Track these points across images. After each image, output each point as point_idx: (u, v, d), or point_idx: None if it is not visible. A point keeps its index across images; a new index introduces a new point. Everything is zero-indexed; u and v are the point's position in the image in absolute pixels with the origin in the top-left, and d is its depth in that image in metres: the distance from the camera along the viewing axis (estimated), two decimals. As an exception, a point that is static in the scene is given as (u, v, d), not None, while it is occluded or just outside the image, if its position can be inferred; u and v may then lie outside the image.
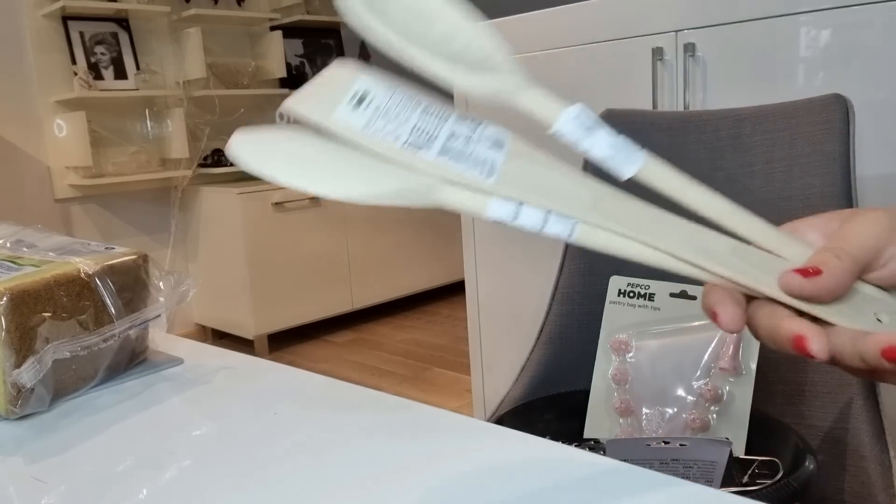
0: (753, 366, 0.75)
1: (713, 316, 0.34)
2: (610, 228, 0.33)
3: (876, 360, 0.31)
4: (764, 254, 0.34)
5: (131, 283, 0.59)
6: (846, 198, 0.81)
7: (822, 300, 0.33)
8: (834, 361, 0.33)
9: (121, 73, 2.94)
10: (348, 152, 0.32)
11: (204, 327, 3.30)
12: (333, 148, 0.32)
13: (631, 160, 0.34)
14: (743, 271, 0.34)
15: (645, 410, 0.78)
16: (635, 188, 0.34)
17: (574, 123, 0.34)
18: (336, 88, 0.34)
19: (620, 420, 0.80)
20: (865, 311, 0.34)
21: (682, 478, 0.39)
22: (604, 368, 0.82)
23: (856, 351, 0.32)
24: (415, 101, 0.34)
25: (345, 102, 0.33)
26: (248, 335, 3.02)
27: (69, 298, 0.54)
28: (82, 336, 0.54)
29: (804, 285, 0.33)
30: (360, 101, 0.33)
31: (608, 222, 0.33)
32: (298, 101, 0.34)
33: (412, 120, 0.33)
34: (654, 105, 1.41)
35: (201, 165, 3.17)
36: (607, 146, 0.34)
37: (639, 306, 0.81)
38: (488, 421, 0.57)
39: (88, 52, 2.86)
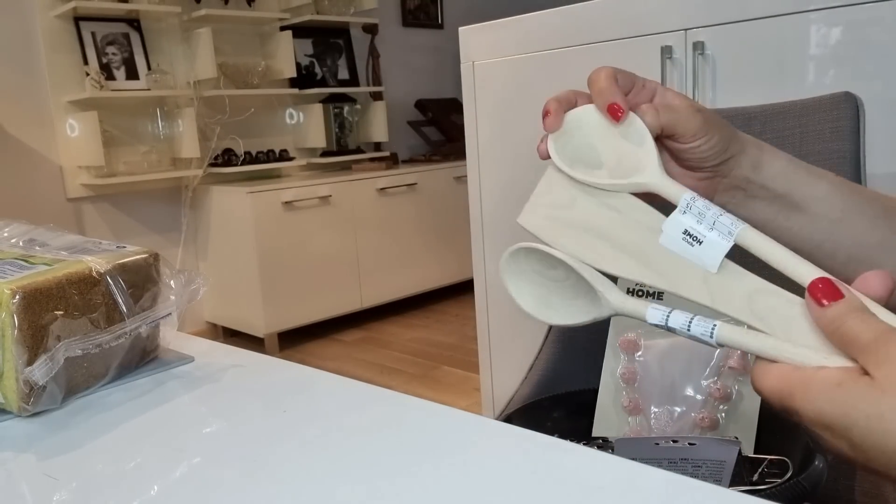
0: (763, 365, 0.74)
1: None
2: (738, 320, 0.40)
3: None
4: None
5: (142, 282, 0.60)
6: (857, 196, 0.81)
7: None
8: None
9: (132, 74, 2.96)
10: (567, 294, 0.46)
11: (215, 325, 3.32)
12: (559, 291, 0.46)
13: (732, 231, 0.43)
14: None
15: (653, 409, 0.78)
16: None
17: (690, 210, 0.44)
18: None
19: (629, 419, 0.80)
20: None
21: (691, 477, 0.39)
22: (612, 367, 0.82)
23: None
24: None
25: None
26: (259, 333, 3.04)
27: (81, 297, 0.55)
28: (94, 334, 0.55)
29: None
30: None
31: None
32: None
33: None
34: (664, 103, 1.40)
35: (212, 165, 3.18)
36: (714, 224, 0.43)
37: (648, 305, 0.81)
38: (497, 419, 0.57)
39: (100, 53, 2.88)
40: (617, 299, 0.44)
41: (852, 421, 0.34)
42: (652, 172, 0.46)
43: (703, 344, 0.41)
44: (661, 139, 0.49)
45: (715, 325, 0.40)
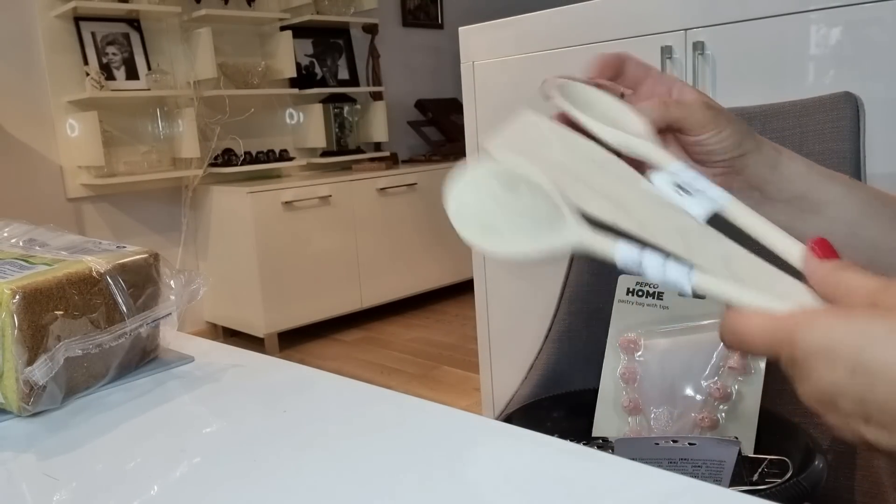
0: (762, 365, 0.74)
1: None
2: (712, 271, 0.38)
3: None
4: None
5: (142, 282, 0.60)
6: (857, 196, 0.81)
7: None
8: None
9: (132, 74, 2.96)
10: (521, 223, 0.42)
11: (215, 325, 3.32)
12: (511, 218, 0.42)
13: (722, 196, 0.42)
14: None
15: (653, 409, 0.78)
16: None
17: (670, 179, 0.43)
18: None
19: (629, 419, 0.80)
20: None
21: (691, 477, 0.39)
22: (612, 367, 0.82)
23: None
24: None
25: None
26: (259, 333, 3.04)
27: (81, 297, 0.55)
28: (94, 334, 0.55)
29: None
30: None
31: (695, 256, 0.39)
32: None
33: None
34: (664, 103, 1.40)
35: (212, 165, 3.18)
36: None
37: (647, 305, 0.81)
38: (497, 419, 0.57)
39: (100, 53, 2.88)
40: (583, 229, 0.40)
41: (870, 337, 0.32)
42: (648, 136, 0.46)
43: (674, 290, 0.39)
44: (673, 132, 0.50)
45: (692, 268, 0.37)
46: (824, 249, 0.37)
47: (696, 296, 0.38)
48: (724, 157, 0.50)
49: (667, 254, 0.39)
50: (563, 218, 0.41)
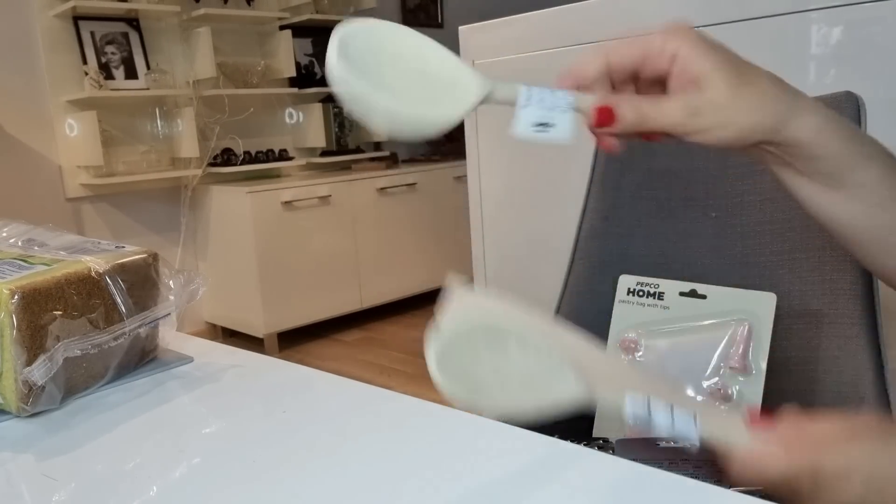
0: (763, 365, 0.74)
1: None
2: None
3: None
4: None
5: (141, 282, 0.60)
6: (857, 196, 0.81)
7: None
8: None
9: (131, 73, 2.95)
10: (513, 383, 0.39)
11: (214, 326, 3.31)
12: (501, 377, 0.39)
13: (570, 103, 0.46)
14: None
15: (654, 409, 0.78)
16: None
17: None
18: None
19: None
20: None
21: (692, 477, 0.39)
22: (613, 367, 0.81)
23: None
24: None
25: None
26: (258, 334, 3.03)
27: (80, 297, 0.54)
28: (93, 334, 0.55)
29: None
30: None
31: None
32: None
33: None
34: (664, 103, 1.40)
35: (211, 164, 3.18)
36: None
37: (648, 305, 0.81)
38: (497, 420, 0.57)
39: (99, 52, 2.88)
40: (587, 388, 0.39)
41: (876, 454, 0.39)
42: (478, 87, 0.44)
43: (683, 440, 0.39)
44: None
45: (696, 416, 0.39)
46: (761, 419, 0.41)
47: (700, 444, 0.39)
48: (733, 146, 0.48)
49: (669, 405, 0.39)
50: (565, 375, 0.39)
